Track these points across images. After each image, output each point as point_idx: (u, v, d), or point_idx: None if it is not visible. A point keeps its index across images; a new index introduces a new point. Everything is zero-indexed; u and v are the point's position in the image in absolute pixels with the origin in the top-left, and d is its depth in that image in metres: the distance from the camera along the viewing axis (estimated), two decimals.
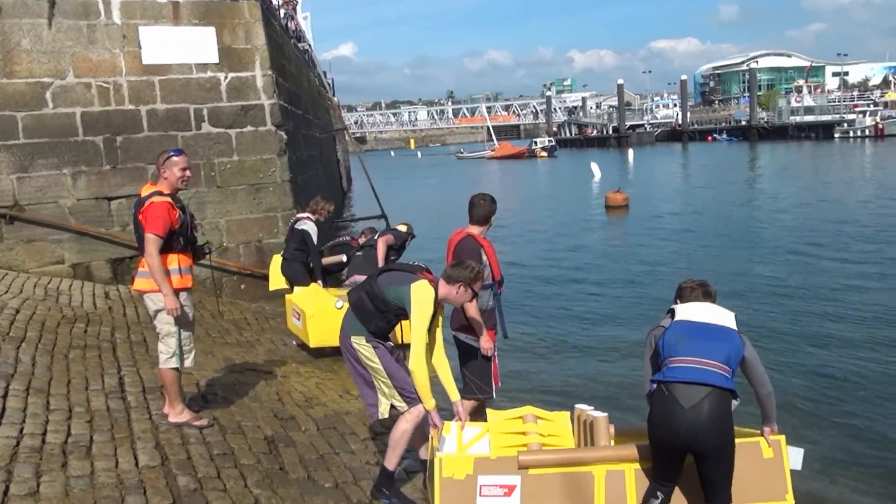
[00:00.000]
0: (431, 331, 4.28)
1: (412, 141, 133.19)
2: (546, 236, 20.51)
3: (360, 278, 7.42)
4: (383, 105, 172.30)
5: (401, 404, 4.27)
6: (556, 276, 14.25)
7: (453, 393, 4.43)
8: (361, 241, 8.57)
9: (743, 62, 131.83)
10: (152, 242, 4.65)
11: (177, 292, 4.79)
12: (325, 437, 5.31)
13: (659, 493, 3.83)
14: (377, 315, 4.25)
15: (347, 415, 5.91)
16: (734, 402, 3.67)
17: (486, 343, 5.19)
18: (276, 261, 8.70)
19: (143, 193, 4.83)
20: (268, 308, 10.06)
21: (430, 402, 4.20)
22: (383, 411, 4.33)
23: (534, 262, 15.92)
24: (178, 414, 4.95)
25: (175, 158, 4.84)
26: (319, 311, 7.46)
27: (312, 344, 7.52)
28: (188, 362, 5.00)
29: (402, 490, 4.43)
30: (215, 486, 4.13)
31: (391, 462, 4.30)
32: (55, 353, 6.27)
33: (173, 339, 4.86)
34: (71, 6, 9.74)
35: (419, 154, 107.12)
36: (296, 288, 8.23)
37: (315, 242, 8.14)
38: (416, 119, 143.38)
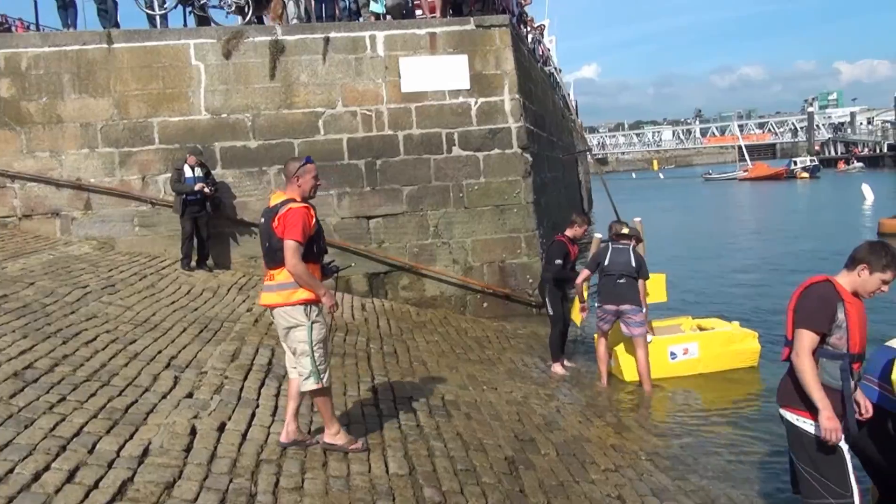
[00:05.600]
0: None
1: (655, 162, 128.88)
2: (808, 266, 18.67)
3: (626, 307, 7.60)
4: (626, 126, 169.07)
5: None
6: None
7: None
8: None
9: None
10: (293, 249, 4.35)
11: (310, 304, 4.50)
12: (565, 463, 5.22)
13: None
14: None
15: (588, 442, 5.77)
16: None
17: (828, 423, 3.66)
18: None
19: (273, 202, 4.61)
20: (508, 327, 10.22)
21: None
22: None
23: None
24: (332, 435, 4.67)
25: (309, 166, 4.61)
26: (628, 348, 8.12)
27: (627, 378, 8.10)
28: (325, 381, 4.57)
29: None
30: (458, 501, 4.21)
31: None
32: None
33: (307, 357, 4.48)
34: (342, 42, 10.74)
35: (661, 175, 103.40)
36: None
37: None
38: (661, 139, 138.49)
